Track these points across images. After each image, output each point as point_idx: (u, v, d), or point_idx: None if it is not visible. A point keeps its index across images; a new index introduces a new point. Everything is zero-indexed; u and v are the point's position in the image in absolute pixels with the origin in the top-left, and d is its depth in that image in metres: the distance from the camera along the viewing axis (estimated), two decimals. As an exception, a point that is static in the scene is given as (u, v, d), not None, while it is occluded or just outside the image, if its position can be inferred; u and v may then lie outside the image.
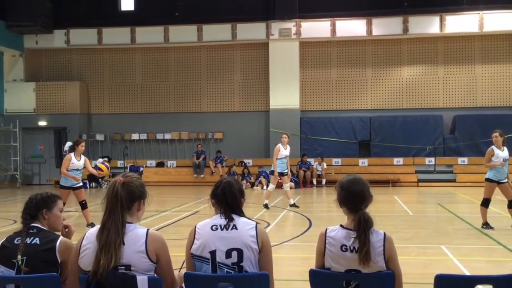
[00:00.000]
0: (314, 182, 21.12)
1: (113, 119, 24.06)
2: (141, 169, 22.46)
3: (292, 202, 13.72)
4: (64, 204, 10.49)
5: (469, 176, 20.52)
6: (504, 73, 22.17)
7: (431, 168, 21.58)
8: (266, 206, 13.42)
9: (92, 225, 9.98)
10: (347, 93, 23.05)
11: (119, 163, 23.09)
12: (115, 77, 24.35)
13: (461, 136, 21.83)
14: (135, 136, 23.93)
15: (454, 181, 20.82)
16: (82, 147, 10.86)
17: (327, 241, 3.36)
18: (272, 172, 13.76)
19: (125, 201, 3.18)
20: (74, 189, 10.62)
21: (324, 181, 21.11)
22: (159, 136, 23.86)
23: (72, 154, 10.70)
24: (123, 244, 3.11)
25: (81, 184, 10.82)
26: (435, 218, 12.31)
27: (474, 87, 22.39)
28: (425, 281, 5.78)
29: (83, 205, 10.65)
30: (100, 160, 21.20)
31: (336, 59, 23.14)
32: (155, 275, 3.22)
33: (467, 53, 22.40)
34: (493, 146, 10.43)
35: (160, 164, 23.38)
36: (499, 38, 22.09)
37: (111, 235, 3.09)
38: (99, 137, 24.01)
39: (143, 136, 23.95)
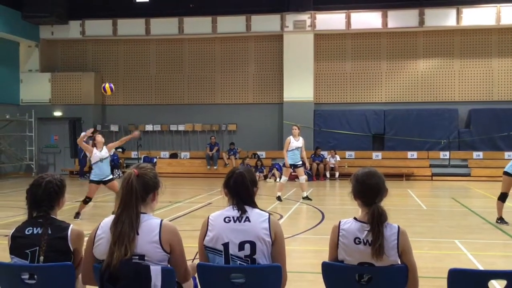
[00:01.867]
0: (327, 175, 21.08)
1: (128, 110, 24.17)
2: (155, 160, 22.55)
3: (305, 194, 13.70)
4: (90, 199, 10.56)
5: (484, 171, 20.37)
6: (521, 67, 21.91)
7: (446, 162, 21.43)
8: (279, 198, 13.42)
9: None
10: (362, 86, 22.93)
11: (133, 154, 23.22)
12: (129, 68, 24.45)
13: (476, 130, 21.63)
14: (149, 127, 24.02)
15: (468, 175, 20.66)
16: (99, 138, 10.97)
17: (340, 233, 3.35)
18: (284, 165, 13.76)
19: (139, 194, 3.19)
20: (105, 182, 10.66)
21: (337, 174, 21.06)
22: (173, 128, 23.94)
23: (94, 148, 10.83)
24: (137, 234, 3.13)
25: (111, 176, 10.87)
26: (449, 212, 12.24)
27: (490, 81, 22.16)
28: (439, 275, 5.76)
29: None
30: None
31: (351, 52, 23.01)
32: (169, 265, 3.24)
33: (483, 46, 22.15)
34: None
35: (174, 156, 23.47)
36: (517, 31, 21.81)
37: (126, 228, 3.10)
38: (114, 128, 24.13)
39: (157, 128, 24.05)
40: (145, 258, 3.13)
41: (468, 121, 22.04)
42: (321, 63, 23.10)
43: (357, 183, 3.41)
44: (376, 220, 3.24)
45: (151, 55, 24.37)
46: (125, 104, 24.34)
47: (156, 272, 3.10)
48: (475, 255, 7.41)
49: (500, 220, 9.96)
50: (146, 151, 23.49)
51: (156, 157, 22.99)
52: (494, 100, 22.02)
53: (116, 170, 21.37)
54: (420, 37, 22.52)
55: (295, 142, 13.52)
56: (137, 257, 3.12)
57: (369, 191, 3.35)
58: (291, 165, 13.48)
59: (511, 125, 21.01)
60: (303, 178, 13.74)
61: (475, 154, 21.44)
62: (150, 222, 3.20)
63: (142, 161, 21.88)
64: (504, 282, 3.13)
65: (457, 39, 22.29)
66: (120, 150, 22.13)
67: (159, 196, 3.35)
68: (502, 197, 9.97)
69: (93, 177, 10.68)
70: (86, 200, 10.60)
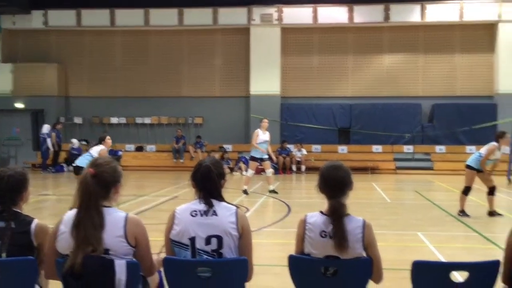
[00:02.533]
0: (294, 168, 21.19)
1: (92, 102, 23.78)
2: (120, 153, 22.29)
3: (271, 188, 13.75)
4: None
5: (446, 164, 20.80)
6: (482, 63, 22.39)
7: (409, 156, 21.80)
8: (245, 191, 13.44)
9: None
10: (328, 80, 23.09)
11: (98, 147, 22.86)
12: (94, 60, 24.05)
13: (439, 124, 22.06)
14: (114, 120, 23.72)
15: (431, 169, 21.07)
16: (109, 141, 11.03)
17: (306, 227, 3.37)
18: (252, 158, 13.77)
19: (99, 193, 3.13)
20: None
21: (303, 168, 21.20)
22: (139, 120, 23.69)
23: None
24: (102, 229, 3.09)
25: None
26: (412, 205, 12.46)
27: (453, 76, 22.60)
28: (402, 267, 5.83)
29: None
30: (76, 141, 21.11)
31: (318, 46, 23.14)
32: (134, 259, 3.20)
33: (447, 42, 22.56)
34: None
35: (139, 149, 23.25)
36: (479, 27, 22.27)
37: (89, 230, 3.04)
38: (77, 120, 23.76)
39: (122, 120, 23.76)
40: (110, 252, 3.09)
41: (432, 116, 22.45)
42: (288, 57, 23.17)
43: (322, 177, 3.43)
44: (336, 213, 3.27)
45: (117, 47, 24.02)
46: (90, 96, 23.94)
47: (120, 266, 3.06)
48: (437, 247, 7.56)
49: (462, 212, 10.20)
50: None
51: (121, 150, 22.71)
52: (456, 95, 22.47)
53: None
54: (385, 32, 22.79)
55: (263, 135, 13.56)
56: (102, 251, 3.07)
57: (332, 184, 3.38)
58: (258, 159, 13.52)
59: (472, 119, 21.48)
60: (269, 171, 13.80)
61: (437, 148, 21.86)
62: (115, 216, 3.16)
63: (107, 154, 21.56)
64: (466, 274, 3.20)
65: (421, 35, 22.64)
66: (84, 142, 21.79)
67: (122, 187, 3.30)
68: (466, 191, 10.22)
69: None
70: None
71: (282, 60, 23.04)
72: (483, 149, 10.32)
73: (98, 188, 3.13)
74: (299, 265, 3.34)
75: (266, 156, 13.63)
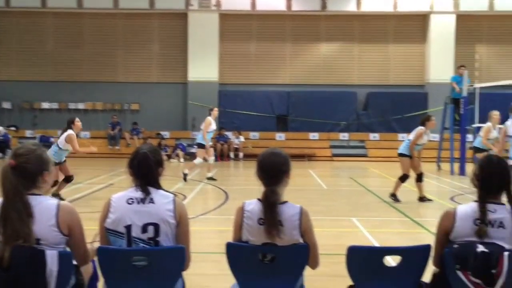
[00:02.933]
0: (232, 155, 21.20)
1: (22, 86, 22.83)
2: (52, 139, 21.55)
3: (209, 175, 13.71)
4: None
5: (380, 152, 21.40)
6: (414, 53, 23.09)
7: (345, 143, 22.26)
8: (185, 177, 13.28)
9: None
10: (266, 67, 23.18)
11: (28, 133, 22.07)
12: (24, 42, 23.07)
13: (374, 112, 22.63)
14: (45, 105, 22.90)
15: (366, 156, 21.61)
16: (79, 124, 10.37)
17: (244, 214, 3.35)
18: (201, 145, 13.58)
19: (23, 184, 2.99)
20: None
21: (241, 155, 21.24)
22: (72, 106, 22.98)
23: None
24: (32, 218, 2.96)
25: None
26: (348, 191, 12.74)
27: (387, 66, 23.20)
28: (338, 252, 5.95)
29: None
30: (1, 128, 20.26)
31: (256, 33, 23.16)
32: (67, 248, 3.09)
33: (381, 32, 23.09)
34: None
35: (73, 135, 22.54)
36: (412, 18, 22.92)
37: (16, 225, 2.90)
38: (6, 105, 22.80)
39: (54, 105, 22.98)
40: (41, 242, 2.97)
41: (366, 104, 22.99)
42: (227, 43, 23.06)
43: (258, 163, 3.42)
44: (267, 201, 3.28)
45: (48, 29, 23.14)
46: (19, 80, 22.96)
47: (52, 257, 2.95)
48: (371, 232, 7.76)
49: (393, 196, 10.45)
50: (43, 130, 22.38)
51: (53, 137, 21.96)
52: (390, 84, 23.10)
53: (8, 150, 20.21)
54: (322, 21, 23.07)
55: (214, 124, 13.60)
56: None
57: (268, 171, 3.37)
58: (203, 146, 13.43)
59: (405, 108, 22.15)
60: (212, 159, 13.78)
61: (371, 136, 22.44)
62: (46, 204, 3.04)
63: (38, 140, 20.86)
64: (398, 258, 3.28)
65: (357, 24, 23.08)
66: (14, 128, 20.94)
67: (50, 175, 3.16)
68: (403, 178, 10.40)
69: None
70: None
71: (220, 47, 22.92)
72: (411, 135, 10.61)
73: (21, 180, 2.98)
74: (236, 252, 3.33)
75: (211, 143, 13.65)
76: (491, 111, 12.04)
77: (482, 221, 3.17)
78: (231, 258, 3.34)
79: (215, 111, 13.67)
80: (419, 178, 10.47)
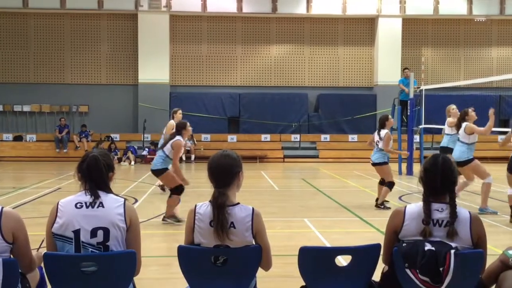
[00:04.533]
0: (183, 157, 21.02)
1: (-36, 88, 22.00)
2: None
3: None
4: None
5: (331, 153, 21.69)
6: (363, 56, 23.52)
7: (296, 144, 22.44)
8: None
9: None
10: (217, 69, 23.14)
11: (-29, 137, 21.28)
12: (-34, 43, 22.24)
13: (324, 114, 22.92)
14: (-11, 108, 22.14)
15: (317, 157, 21.85)
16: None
17: (196, 217, 3.33)
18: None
19: None
20: None
21: (193, 157, 21.11)
22: (17, 108, 22.29)
23: None
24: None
25: None
26: (299, 192, 12.85)
27: (337, 68, 23.55)
28: (290, 253, 5.99)
29: None
30: None
31: (207, 35, 23.08)
32: (11, 256, 2.99)
33: (330, 35, 23.43)
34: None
35: (18, 138, 21.88)
36: (360, 22, 23.36)
37: None
38: None
39: (-1, 108, 22.27)
40: (-17, 250, 2.86)
41: (317, 106, 23.27)
42: (177, 45, 22.90)
43: (209, 165, 3.41)
44: (216, 203, 3.26)
45: (-8, 29, 22.39)
46: (-39, 82, 22.13)
47: (-4, 265, 2.84)
48: (323, 232, 7.85)
49: (382, 205, 9.86)
50: (-13, 133, 21.62)
51: (-2, 140, 21.28)
52: (340, 86, 23.46)
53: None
54: (273, 23, 23.22)
55: None
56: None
57: (218, 173, 3.36)
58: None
59: (354, 109, 22.54)
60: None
61: (322, 137, 22.71)
62: (-12, 211, 2.93)
63: None
64: (349, 257, 3.33)
65: (307, 27, 23.33)
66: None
67: None
68: (391, 185, 9.89)
69: None
70: None
71: (171, 48, 22.73)
72: (380, 144, 10.06)
73: None
74: (188, 255, 3.30)
75: None
76: (449, 105, 11.77)
77: (427, 221, 3.24)
78: (182, 261, 3.30)
79: (179, 114, 13.03)
80: (390, 185, 9.92)
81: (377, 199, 10.13)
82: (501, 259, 3.76)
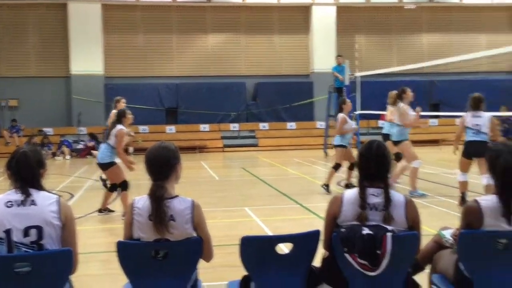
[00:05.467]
0: (131, 150, 20.61)
1: None
2: None
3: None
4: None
5: (270, 141, 21.86)
6: (299, 44, 23.74)
7: (236, 133, 22.47)
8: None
9: None
10: (154, 59, 22.77)
11: None
12: None
13: (262, 102, 23.03)
14: None
15: (256, 145, 21.96)
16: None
17: (134, 211, 3.26)
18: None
19: None
20: None
21: (131, 149, 20.68)
22: None
23: None
24: None
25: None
26: (240, 181, 12.87)
27: (273, 56, 23.66)
28: (231, 242, 6.00)
29: None
30: None
31: (142, 24, 22.65)
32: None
33: (266, 23, 23.49)
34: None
35: None
36: (295, 10, 23.53)
37: None
38: None
39: None
40: None
41: (255, 94, 23.34)
42: (111, 35, 22.35)
43: (145, 158, 3.34)
44: (153, 196, 3.22)
45: None
46: None
47: None
48: (264, 220, 7.90)
49: (326, 186, 10.22)
50: None
51: None
52: (277, 74, 23.61)
53: None
54: (208, 12, 23.05)
55: None
56: None
57: (155, 165, 3.30)
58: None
59: (292, 97, 22.76)
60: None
61: (261, 125, 22.83)
62: None
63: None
64: (290, 245, 3.35)
65: (243, 15, 23.30)
66: None
67: None
68: (337, 167, 10.27)
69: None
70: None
71: (105, 38, 22.17)
72: (337, 124, 10.58)
73: None
74: (127, 250, 3.23)
75: None
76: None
77: (363, 206, 3.31)
78: (122, 256, 3.23)
79: (122, 103, 12.56)
80: (353, 166, 10.31)
81: (347, 184, 10.42)
82: (435, 240, 3.90)
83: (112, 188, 8.58)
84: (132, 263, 3.25)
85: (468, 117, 8.45)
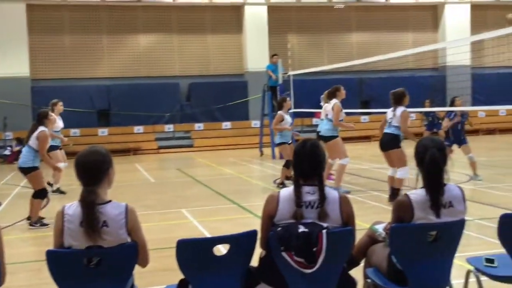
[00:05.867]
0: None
1: None
2: None
3: (58, 185, 12.42)
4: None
5: (205, 141, 21.77)
6: (232, 43, 23.76)
7: (170, 135, 22.22)
8: (58, 190, 11.71)
9: None
10: (83, 60, 22.15)
11: None
12: None
13: (197, 103, 22.89)
14: None
15: (192, 146, 21.80)
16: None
17: (65, 218, 3.14)
18: (55, 147, 12.02)
19: None
20: None
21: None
22: None
23: None
24: None
25: None
26: (176, 183, 12.73)
27: (207, 56, 23.57)
28: (168, 245, 5.91)
29: None
30: None
31: (69, 25, 21.98)
32: None
33: (198, 23, 23.35)
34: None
35: None
36: (227, 9, 23.53)
37: None
38: None
39: None
40: None
41: (189, 95, 23.16)
42: (37, 36, 21.56)
43: (76, 163, 3.23)
44: (84, 202, 3.12)
45: None
46: None
47: None
48: (201, 221, 7.85)
49: (282, 185, 10.46)
50: None
51: None
52: (211, 74, 23.53)
53: None
54: (139, 12, 22.66)
55: (60, 121, 12.19)
56: None
57: (87, 170, 3.20)
58: (57, 148, 12.13)
59: (226, 97, 22.74)
60: (63, 164, 12.55)
61: (196, 126, 22.69)
62: None
63: None
64: (228, 246, 3.33)
65: (174, 15, 23.07)
66: None
67: None
68: (288, 164, 10.45)
69: None
70: None
71: (30, 39, 21.35)
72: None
73: None
74: (58, 259, 3.11)
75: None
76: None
77: (298, 204, 3.34)
78: (52, 266, 3.11)
79: (60, 106, 12.12)
80: (288, 164, 10.50)
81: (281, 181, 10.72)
82: (369, 234, 3.99)
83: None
84: (63, 272, 3.13)
85: (388, 112, 8.77)
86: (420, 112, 16.93)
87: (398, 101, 8.64)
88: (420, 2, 25.15)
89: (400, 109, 8.54)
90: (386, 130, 8.63)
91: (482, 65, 23.78)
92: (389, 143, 8.59)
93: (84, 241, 3.11)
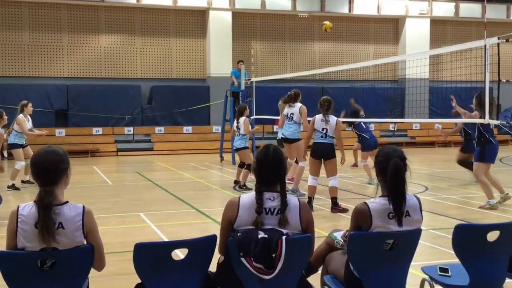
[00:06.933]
0: (5, 154, 19.42)
1: None
2: None
3: (27, 177, 12.18)
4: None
5: (166, 145, 21.58)
6: (196, 48, 23.68)
7: (130, 137, 21.95)
8: (13, 186, 11.52)
9: None
10: (42, 59, 21.69)
11: None
12: None
13: (158, 106, 22.69)
14: None
15: (152, 149, 21.59)
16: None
17: (19, 219, 3.06)
18: (16, 146, 11.88)
19: None
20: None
21: (5, 153, 19.56)
22: None
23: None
24: None
25: None
26: (134, 186, 12.58)
27: (169, 59, 23.42)
28: (125, 249, 5.83)
29: None
30: None
31: (28, 22, 21.50)
32: None
33: (162, 26, 23.20)
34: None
35: None
36: (191, 13, 23.45)
37: None
38: None
39: None
40: None
41: (151, 97, 22.94)
42: (-6, 32, 21.03)
43: (32, 163, 3.15)
44: (40, 203, 3.05)
45: None
46: None
47: None
48: (159, 225, 7.76)
49: (245, 186, 10.79)
50: None
51: None
52: (173, 78, 23.38)
53: None
54: (101, 12, 22.35)
55: (29, 121, 12.07)
56: None
57: (43, 171, 3.12)
58: (20, 146, 11.90)
59: (188, 101, 22.62)
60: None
61: (157, 129, 22.48)
62: None
63: None
64: (186, 250, 3.30)
65: (138, 17, 22.85)
66: None
67: None
68: (248, 166, 10.73)
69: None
70: None
71: (-13, 35, 20.80)
72: (242, 130, 11.12)
73: None
74: (10, 261, 3.02)
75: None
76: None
77: (259, 211, 3.33)
78: (4, 268, 3.02)
79: (30, 107, 12.11)
80: (248, 166, 10.75)
81: (236, 181, 11.20)
82: (327, 242, 4.02)
83: None
84: (15, 275, 3.04)
85: (317, 120, 8.86)
86: (380, 122, 17.17)
87: (327, 109, 8.85)
88: (382, 15, 25.64)
89: (333, 119, 8.88)
90: (323, 140, 8.83)
91: (439, 78, 24.40)
92: (330, 153, 8.83)
93: (38, 243, 3.04)
